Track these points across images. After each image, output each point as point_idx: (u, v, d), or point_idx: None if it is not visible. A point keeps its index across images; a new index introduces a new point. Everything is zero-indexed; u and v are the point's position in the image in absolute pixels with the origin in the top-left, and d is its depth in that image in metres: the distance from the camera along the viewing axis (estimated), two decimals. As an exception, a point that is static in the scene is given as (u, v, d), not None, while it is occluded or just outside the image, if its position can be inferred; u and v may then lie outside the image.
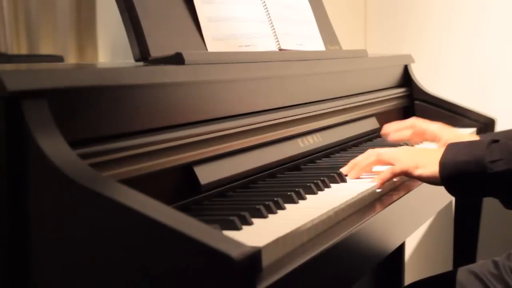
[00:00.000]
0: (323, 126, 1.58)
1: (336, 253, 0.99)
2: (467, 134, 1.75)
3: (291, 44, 1.61)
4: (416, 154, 1.29)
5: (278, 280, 0.81)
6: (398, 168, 1.27)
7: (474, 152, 1.19)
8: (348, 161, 1.37)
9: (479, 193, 1.25)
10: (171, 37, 1.26)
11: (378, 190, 1.27)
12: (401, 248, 2.32)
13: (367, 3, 2.77)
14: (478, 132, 1.95)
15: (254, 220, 0.99)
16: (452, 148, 1.23)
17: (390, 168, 1.28)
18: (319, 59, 1.64)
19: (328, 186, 1.26)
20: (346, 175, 1.33)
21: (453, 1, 2.57)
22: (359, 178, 1.33)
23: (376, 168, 1.34)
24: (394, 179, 1.33)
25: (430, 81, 2.31)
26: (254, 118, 1.30)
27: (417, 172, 1.25)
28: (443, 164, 1.21)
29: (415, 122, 1.68)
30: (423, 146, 1.66)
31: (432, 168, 1.23)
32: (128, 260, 0.76)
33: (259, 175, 1.30)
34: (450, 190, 1.23)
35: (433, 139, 1.64)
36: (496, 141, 1.21)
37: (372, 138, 1.83)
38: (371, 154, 1.33)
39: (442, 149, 1.23)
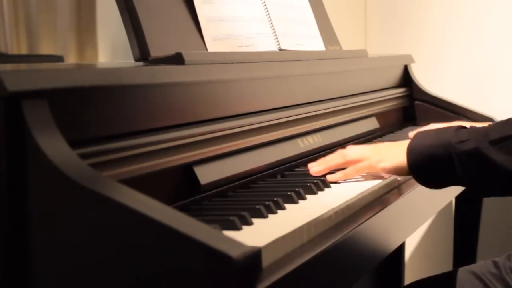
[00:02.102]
0: (323, 126, 1.58)
1: (336, 253, 0.99)
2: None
3: (291, 44, 1.61)
4: (381, 149, 1.30)
5: (278, 280, 0.81)
6: (361, 165, 1.28)
7: (441, 136, 1.19)
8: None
9: (447, 178, 1.20)
10: (171, 37, 1.26)
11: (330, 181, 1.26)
12: (401, 248, 2.32)
13: (367, 3, 2.77)
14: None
15: (254, 220, 0.99)
16: (420, 134, 1.24)
17: (354, 166, 1.29)
18: (319, 59, 1.64)
19: (328, 186, 1.26)
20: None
21: (453, 1, 2.57)
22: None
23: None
24: (399, 178, 1.33)
25: (430, 81, 2.31)
26: (254, 118, 1.30)
27: (380, 165, 1.26)
28: (410, 150, 1.21)
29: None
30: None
31: (396, 159, 1.23)
32: (128, 260, 0.76)
33: (259, 175, 1.30)
34: (418, 177, 1.22)
35: None
36: (464, 127, 1.21)
37: (372, 138, 1.83)
38: (338, 155, 1.33)
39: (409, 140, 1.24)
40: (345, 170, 1.30)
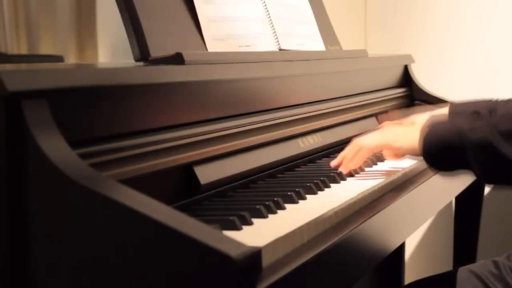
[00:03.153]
0: (323, 126, 1.58)
1: (336, 253, 0.99)
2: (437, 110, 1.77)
3: (291, 44, 1.61)
4: (396, 129, 1.32)
5: (278, 280, 0.81)
6: (375, 142, 1.29)
7: (454, 121, 1.20)
8: (348, 161, 1.37)
9: (458, 164, 1.22)
10: (171, 37, 1.26)
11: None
12: (401, 248, 2.32)
13: (367, 3, 2.77)
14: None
15: (254, 220, 0.99)
16: (433, 119, 1.24)
17: (367, 144, 1.31)
18: (319, 59, 1.64)
19: (328, 186, 1.26)
20: (348, 175, 1.34)
21: (453, 1, 2.57)
22: (360, 178, 1.33)
23: (382, 166, 1.35)
24: (394, 177, 1.33)
25: (430, 81, 2.31)
26: (254, 118, 1.30)
27: (397, 144, 1.27)
28: (423, 133, 1.22)
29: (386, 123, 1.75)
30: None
31: (412, 139, 1.25)
32: (127, 260, 0.76)
33: (259, 175, 1.30)
34: (430, 161, 1.23)
35: None
36: (477, 112, 1.21)
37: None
38: (355, 144, 1.34)
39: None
40: (359, 153, 1.30)
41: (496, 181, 1.25)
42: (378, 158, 1.51)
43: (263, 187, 1.26)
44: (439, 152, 1.21)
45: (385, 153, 1.40)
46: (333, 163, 1.36)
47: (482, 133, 1.15)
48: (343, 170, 1.33)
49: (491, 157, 1.16)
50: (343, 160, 1.35)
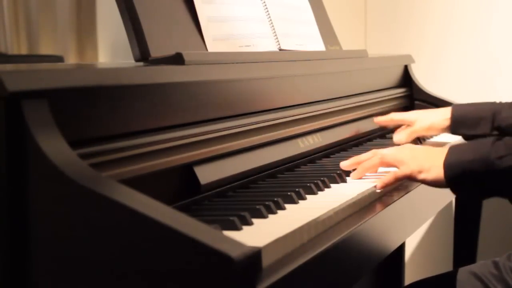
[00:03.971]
0: (323, 126, 1.58)
1: (336, 253, 0.99)
2: (440, 110, 1.76)
3: (291, 44, 1.61)
4: (419, 157, 1.28)
5: (278, 280, 0.81)
6: (402, 172, 1.26)
7: (478, 150, 1.18)
8: (348, 161, 1.37)
9: (485, 192, 1.22)
10: (171, 37, 1.26)
11: (378, 191, 1.27)
12: (401, 248, 2.32)
13: (367, 3, 2.77)
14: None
15: (254, 220, 0.99)
16: (456, 148, 1.23)
17: (393, 173, 1.28)
18: (319, 59, 1.64)
19: (328, 186, 1.26)
20: (347, 175, 1.33)
21: (453, 1, 2.57)
22: (361, 178, 1.33)
23: (381, 169, 1.35)
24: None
25: (430, 81, 2.31)
26: (254, 118, 1.30)
27: (421, 176, 1.24)
28: (447, 166, 1.20)
29: (393, 116, 1.78)
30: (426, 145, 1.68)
31: (436, 171, 1.22)
32: (127, 260, 0.76)
33: (259, 175, 1.30)
34: (456, 191, 1.22)
35: (409, 125, 1.74)
36: (499, 138, 1.21)
37: (372, 138, 1.84)
38: (375, 155, 1.33)
39: (446, 150, 1.23)
40: (383, 179, 1.27)
41: None
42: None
43: (263, 187, 1.26)
44: (467, 184, 1.20)
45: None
46: (345, 165, 1.35)
47: (510, 161, 1.15)
48: (355, 177, 1.33)
49: None
50: (359, 167, 1.33)
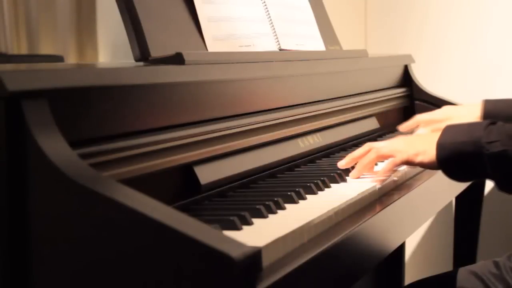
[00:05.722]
0: (323, 126, 1.58)
1: (336, 253, 0.99)
2: (469, 106, 1.74)
3: (291, 44, 1.61)
4: (414, 142, 1.30)
5: (278, 280, 0.81)
6: (399, 158, 1.28)
7: (471, 133, 1.20)
8: (348, 161, 1.37)
9: (475, 174, 1.24)
10: (171, 37, 1.26)
11: (378, 187, 1.27)
12: (401, 248, 2.32)
13: (367, 3, 2.77)
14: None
15: (254, 220, 0.99)
16: (449, 130, 1.24)
17: (391, 160, 1.29)
18: (319, 59, 1.64)
19: (328, 186, 1.26)
20: (348, 175, 1.33)
21: (453, 1, 2.57)
22: (360, 178, 1.33)
23: (377, 167, 1.35)
24: (395, 178, 1.33)
25: (430, 81, 2.31)
26: (254, 118, 1.30)
27: (418, 159, 1.26)
28: (440, 146, 1.22)
29: (419, 118, 1.72)
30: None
31: (432, 153, 1.24)
32: (127, 260, 0.76)
33: (259, 175, 1.30)
34: (446, 171, 1.23)
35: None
36: (493, 123, 1.22)
37: (372, 138, 1.83)
38: (370, 150, 1.33)
39: (439, 133, 1.24)
40: (383, 166, 1.30)
41: None
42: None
43: (263, 187, 1.26)
44: (457, 164, 1.21)
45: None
46: (342, 164, 1.35)
47: (500, 146, 1.16)
48: (354, 176, 1.33)
49: (509, 168, 1.17)
50: (357, 165, 1.34)
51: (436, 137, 1.24)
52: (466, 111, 1.69)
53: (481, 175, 1.22)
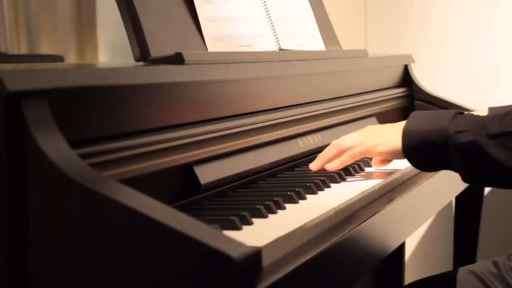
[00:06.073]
0: (323, 126, 1.58)
1: (336, 253, 0.99)
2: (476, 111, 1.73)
3: (291, 44, 1.61)
4: (376, 132, 1.31)
5: (278, 280, 0.81)
6: (357, 150, 1.29)
7: (438, 122, 1.19)
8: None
9: (441, 164, 1.22)
10: (171, 37, 1.26)
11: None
12: (401, 248, 2.32)
13: (367, 3, 2.77)
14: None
15: (254, 220, 0.99)
16: (416, 116, 1.24)
17: (349, 152, 1.29)
18: (319, 59, 1.64)
19: (328, 186, 1.26)
20: (347, 174, 1.34)
21: (453, 1, 2.57)
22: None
23: (371, 169, 1.35)
24: (394, 177, 1.33)
25: (430, 81, 2.31)
26: (254, 118, 1.30)
27: (378, 149, 1.27)
28: (406, 132, 1.22)
29: None
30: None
31: (393, 142, 1.24)
32: (127, 260, 0.76)
33: (259, 175, 1.30)
34: (411, 160, 1.23)
35: None
36: (461, 113, 1.21)
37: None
38: (333, 145, 1.34)
39: (404, 122, 1.24)
40: (341, 157, 1.30)
41: (480, 182, 1.25)
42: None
43: (263, 187, 1.26)
44: (422, 153, 1.20)
45: (373, 161, 1.39)
46: (314, 167, 1.35)
47: (469, 136, 1.15)
48: (314, 168, 1.33)
49: (478, 159, 1.15)
50: (318, 157, 1.34)
51: (400, 127, 1.23)
52: None
53: (445, 165, 1.21)
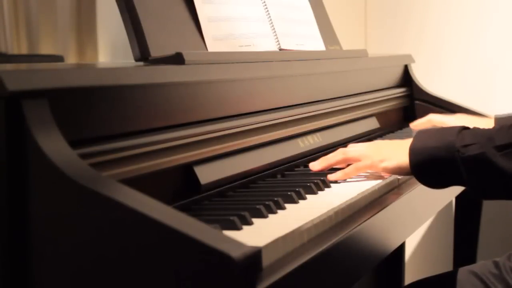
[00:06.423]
0: (323, 126, 1.58)
1: (336, 253, 0.99)
2: (483, 119, 1.72)
3: (291, 44, 1.61)
4: (382, 148, 1.30)
5: (278, 280, 0.81)
6: (363, 164, 1.28)
7: (444, 138, 1.18)
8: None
9: (450, 180, 1.21)
10: (171, 37, 1.26)
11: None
12: (401, 248, 2.32)
13: (367, 3, 2.77)
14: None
15: (254, 220, 0.99)
16: (422, 135, 1.23)
17: (355, 165, 1.29)
18: (319, 59, 1.64)
19: (328, 186, 1.26)
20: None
21: (453, 1, 2.57)
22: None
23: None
24: (399, 177, 1.33)
25: (430, 81, 2.31)
26: (254, 118, 1.30)
27: (382, 165, 1.26)
28: (412, 151, 1.21)
29: (432, 118, 1.72)
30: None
31: (398, 158, 1.23)
32: (127, 260, 0.76)
33: (259, 175, 1.30)
34: (419, 177, 1.22)
35: None
36: (466, 128, 1.21)
37: (372, 138, 1.83)
38: (338, 152, 1.34)
39: (411, 139, 1.23)
40: (345, 169, 1.30)
41: (492, 196, 1.24)
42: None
43: (263, 187, 1.26)
44: (431, 169, 1.19)
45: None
46: (315, 167, 1.35)
47: (477, 149, 1.14)
48: (314, 168, 1.33)
49: (487, 172, 1.15)
50: (321, 159, 1.34)
51: (407, 144, 1.22)
52: (478, 123, 1.68)
53: (454, 181, 1.20)
